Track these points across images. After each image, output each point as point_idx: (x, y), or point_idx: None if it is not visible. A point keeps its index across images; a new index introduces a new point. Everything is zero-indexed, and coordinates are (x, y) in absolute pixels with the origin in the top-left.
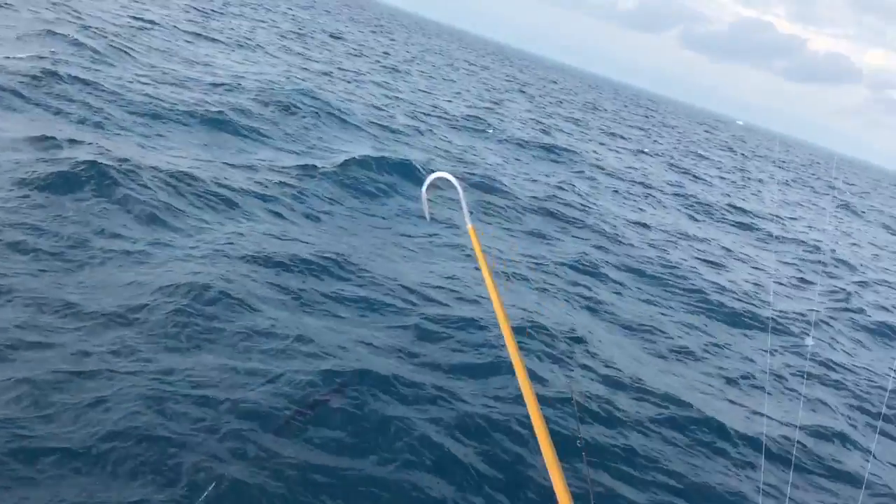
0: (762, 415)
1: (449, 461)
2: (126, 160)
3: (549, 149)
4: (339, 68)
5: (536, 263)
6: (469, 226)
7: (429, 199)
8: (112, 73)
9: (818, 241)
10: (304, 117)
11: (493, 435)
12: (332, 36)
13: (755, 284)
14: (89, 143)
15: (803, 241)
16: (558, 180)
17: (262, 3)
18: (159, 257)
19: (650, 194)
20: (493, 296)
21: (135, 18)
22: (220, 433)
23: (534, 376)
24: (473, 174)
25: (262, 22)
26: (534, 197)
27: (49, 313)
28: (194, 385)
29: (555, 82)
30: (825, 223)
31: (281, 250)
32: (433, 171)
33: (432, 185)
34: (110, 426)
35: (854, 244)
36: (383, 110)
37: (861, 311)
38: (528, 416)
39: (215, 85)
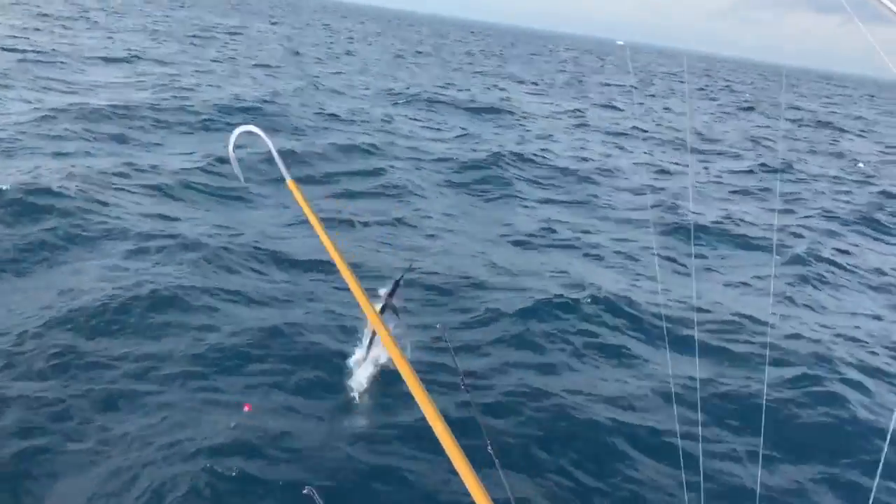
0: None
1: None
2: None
3: (476, 110)
4: (248, 66)
5: (545, 229)
6: (289, 180)
7: (238, 157)
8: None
9: (751, 150)
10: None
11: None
12: (225, 32)
13: (726, 208)
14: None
15: (737, 154)
16: (501, 139)
17: (128, 12)
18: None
19: (586, 138)
20: (330, 247)
21: (7, 50)
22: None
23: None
24: (425, 149)
25: (139, 31)
26: (481, 160)
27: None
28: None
29: (442, 36)
30: (745, 130)
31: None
32: (238, 126)
33: (239, 143)
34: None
35: (777, 142)
36: (309, 98)
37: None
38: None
39: (115, 106)
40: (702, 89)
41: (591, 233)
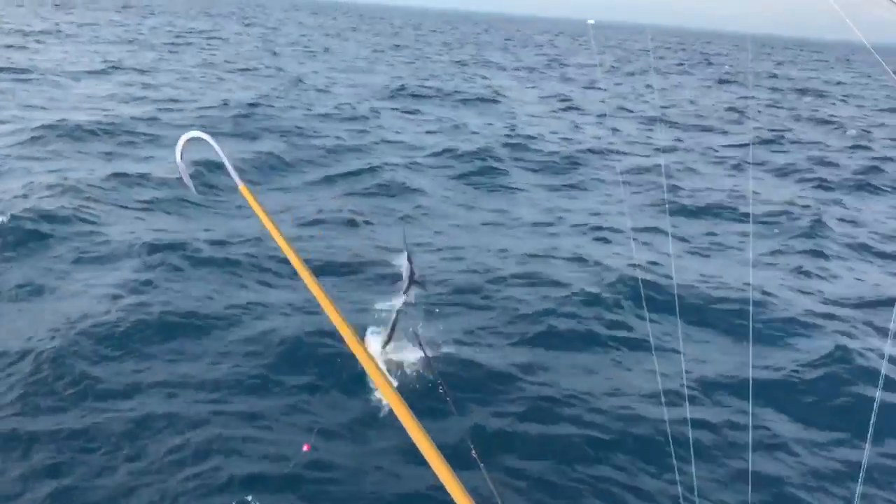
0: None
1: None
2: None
3: (463, 101)
4: (229, 70)
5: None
6: (241, 185)
7: (186, 167)
8: None
9: (740, 123)
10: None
11: None
12: (200, 37)
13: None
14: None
15: (726, 129)
16: (493, 128)
17: (100, 23)
18: None
19: (576, 121)
20: (288, 252)
21: None
22: None
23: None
24: (418, 144)
25: (115, 42)
26: (475, 151)
27: None
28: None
29: (416, 28)
30: (730, 102)
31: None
32: (184, 133)
33: (187, 150)
34: None
35: (761, 112)
36: (295, 99)
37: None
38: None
39: (101, 121)
40: (680, 64)
41: (598, 216)
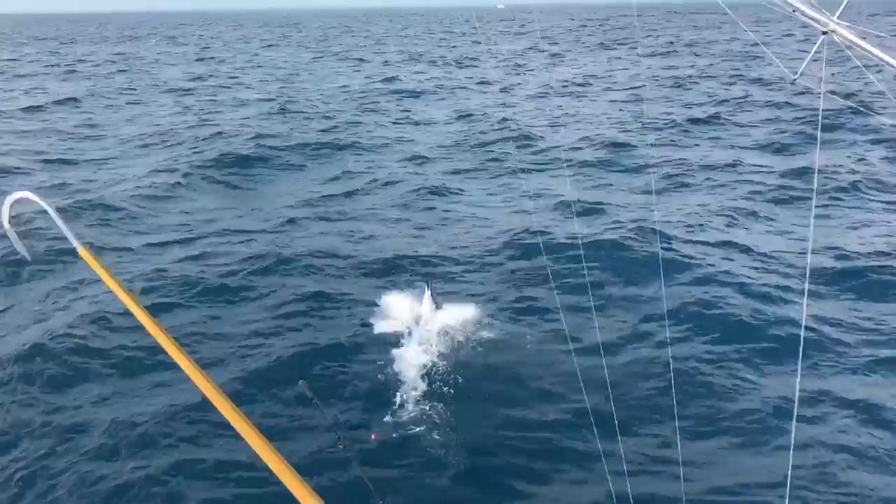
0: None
1: None
2: None
3: (431, 99)
4: (186, 93)
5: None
6: (80, 248)
7: (16, 231)
8: None
9: (685, 92)
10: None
11: None
12: (137, 62)
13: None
14: None
15: (670, 97)
16: (464, 123)
17: (16, 58)
18: None
19: (540, 107)
20: (140, 315)
21: None
22: None
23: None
24: (409, 148)
25: (48, 76)
26: (462, 147)
27: None
28: None
29: (339, 28)
30: (671, 73)
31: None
32: (8, 195)
33: (15, 214)
34: None
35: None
36: (262, 125)
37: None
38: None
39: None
40: (611, 42)
41: (596, 194)
